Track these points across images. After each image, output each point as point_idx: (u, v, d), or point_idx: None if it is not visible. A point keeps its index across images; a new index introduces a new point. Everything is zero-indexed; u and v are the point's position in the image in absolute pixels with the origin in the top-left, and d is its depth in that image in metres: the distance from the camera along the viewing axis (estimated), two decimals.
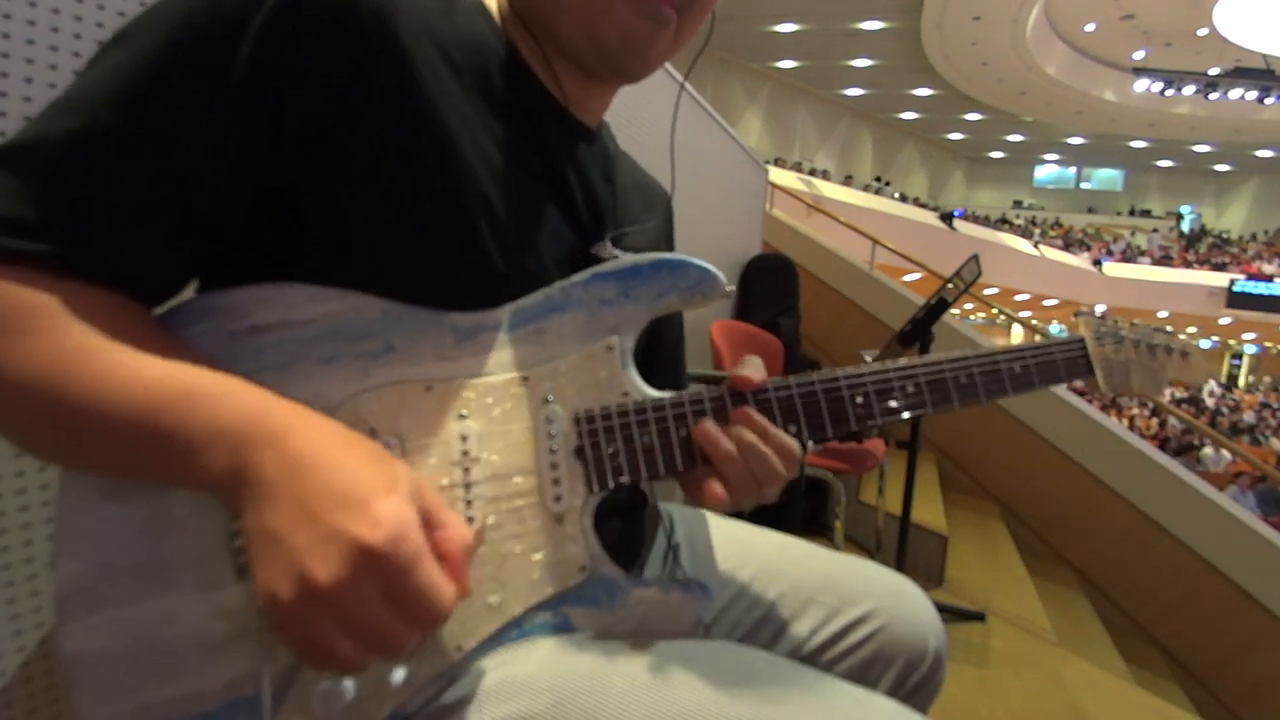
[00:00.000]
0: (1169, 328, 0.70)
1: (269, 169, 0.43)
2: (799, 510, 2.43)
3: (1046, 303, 17.49)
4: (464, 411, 0.47)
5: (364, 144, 0.44)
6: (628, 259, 0.52)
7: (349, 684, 0.37)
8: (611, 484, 0.49)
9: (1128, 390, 0.66)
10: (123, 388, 0.38)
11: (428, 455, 0.46)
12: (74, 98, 0.40)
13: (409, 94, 0.45)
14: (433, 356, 0.47)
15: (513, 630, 0.46)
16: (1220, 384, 19.19)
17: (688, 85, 0.69)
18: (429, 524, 0.37)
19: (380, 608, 0.34)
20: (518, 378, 0.49)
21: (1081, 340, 0.64)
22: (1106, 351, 0.64)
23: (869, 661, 0.65)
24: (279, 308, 0.44)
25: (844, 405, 0.53)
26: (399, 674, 0.37)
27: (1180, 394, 14.59)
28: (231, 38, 0.41)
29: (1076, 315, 0.67)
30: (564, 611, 0.48)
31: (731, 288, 0.53)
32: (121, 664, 0.40)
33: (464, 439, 0.47)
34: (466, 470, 0.47)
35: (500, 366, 0.49)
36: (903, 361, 0.56)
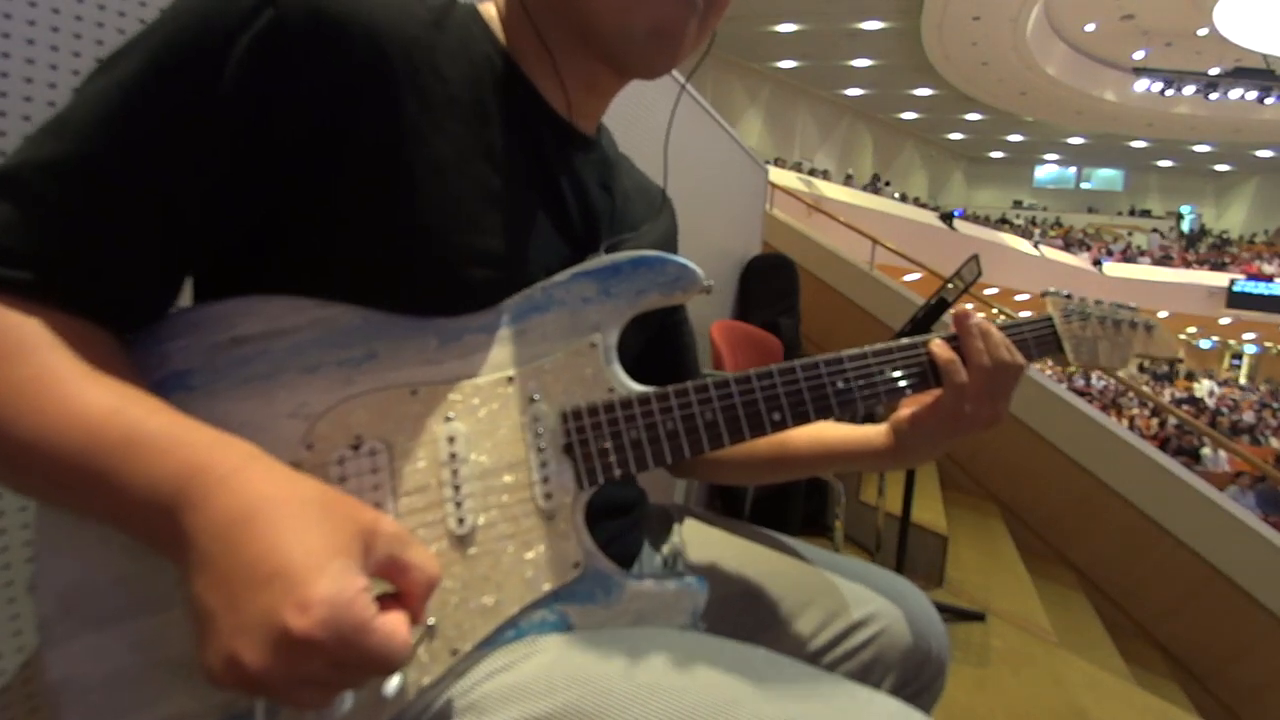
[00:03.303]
0: (1134, 303, 0.72)
1: (255, 190, 0.43)
2: (799, 510, 2.42)
3: None
4: (450, 414, 0.47)
5: (349, 163, 0.44)
6: (607, 258, 0.52)
7: (346, 694, 0.36)
8: (601, 479, 0.49)
9: (1095, 364, 0.68)
10: (65, 425, 0.36)
11: (415, 458, 0.46)
12: (63, 123, 0.40)
13: (396, 114, 0.45)
14: (416, 361, 0.47)
15: (509, 631, 0.46)
16: (1220, 382, 19.16)
17: (688, 86, 0.68)
18: (395, 568, 0.35)
19: (324, 672, 0.32)
20: (503, 378, 0.49)
21: (1049, 319, 0.66)
22: (1074, 328, 0.66)
23: (869, 665, 0.64)
24: (261, 318, 0.44)
25: (825, 390, 0.54)
26: (394, 683, 0.37)
27: (1180, 394, 14.57)
28: (218, 59, 0.40)
29: (1044, 295, 0.68)
30: (560, 609, 0.48)
31: (710, 283, 0.53)
32: (109, 688, 0.39)
33: (451, 440, 0.47)
34: (455, 471, 0.47)
35: (485, 368, 0.49)
36: (879, 345, 0.57)
